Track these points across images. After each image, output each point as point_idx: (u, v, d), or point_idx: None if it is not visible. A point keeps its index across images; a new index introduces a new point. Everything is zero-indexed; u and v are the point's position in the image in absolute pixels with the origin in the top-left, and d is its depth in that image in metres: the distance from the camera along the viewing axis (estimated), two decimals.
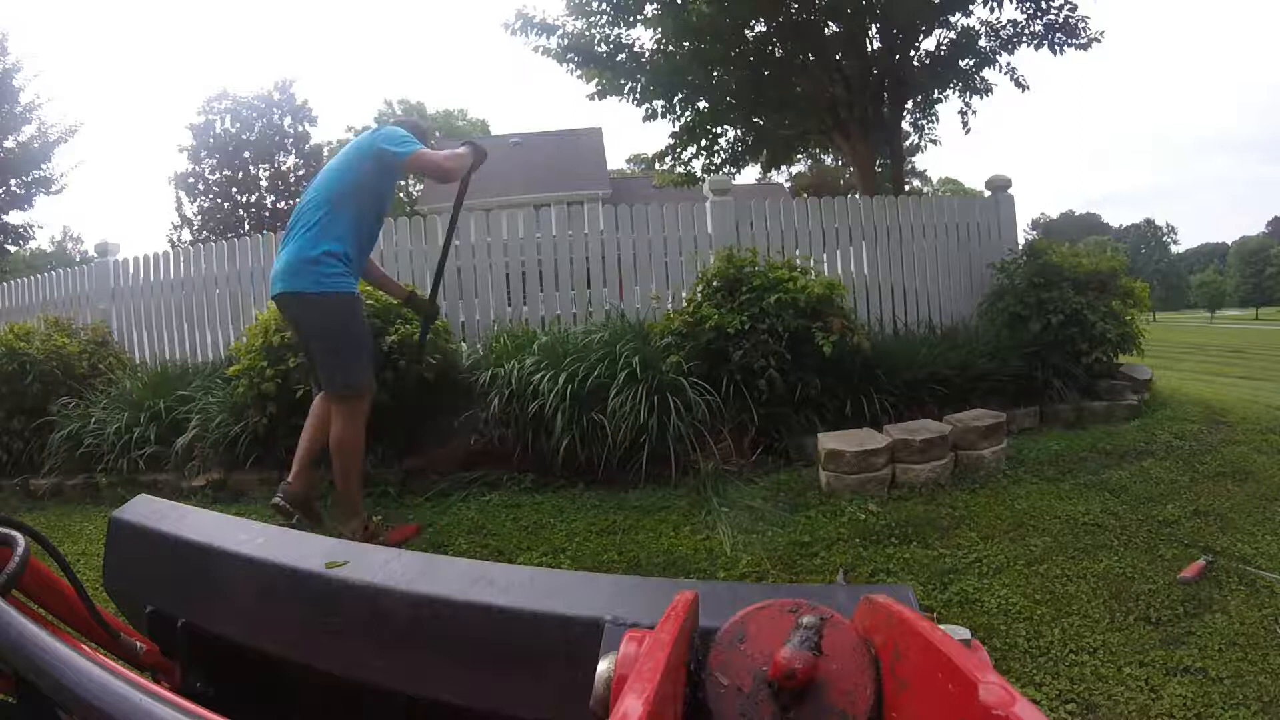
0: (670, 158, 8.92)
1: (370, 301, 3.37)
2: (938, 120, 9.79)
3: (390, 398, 3.22)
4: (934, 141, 10.80)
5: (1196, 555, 2.53)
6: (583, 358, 3.39)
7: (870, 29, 7.35)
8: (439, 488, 3.28)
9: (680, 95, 8.05)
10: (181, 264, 5.16)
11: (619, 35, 7.58)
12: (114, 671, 0.39)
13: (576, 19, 7.52)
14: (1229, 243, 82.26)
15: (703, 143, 8.72)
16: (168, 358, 4.95)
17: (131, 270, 5.28)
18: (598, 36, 7.54)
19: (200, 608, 0.65)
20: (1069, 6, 7.10)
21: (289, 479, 2.68)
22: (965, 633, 0.36)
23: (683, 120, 8.36)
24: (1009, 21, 7.39)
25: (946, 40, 7.56)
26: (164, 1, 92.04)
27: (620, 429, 3.15)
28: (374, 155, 2.67)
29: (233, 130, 21.50)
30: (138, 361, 4.96)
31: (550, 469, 3.32)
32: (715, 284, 3.65)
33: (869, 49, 7.46)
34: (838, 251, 4.79)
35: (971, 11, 7.30)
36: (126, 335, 5.19)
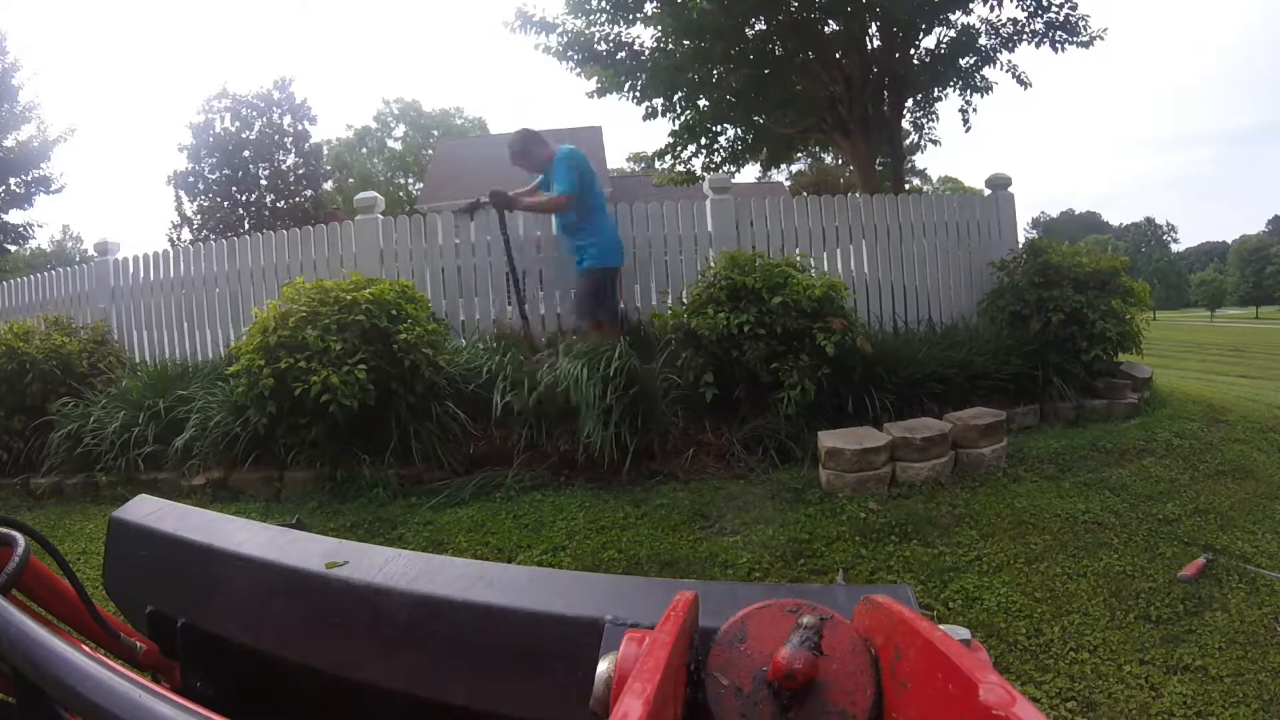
0: (670, 156, 8.91)
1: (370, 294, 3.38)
2: (938, 119, 9.78)
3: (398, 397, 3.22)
4: (934, 141, 10.77)
5: (1196, 553, 2.54)
6: (586, 357, 3.39)
7: (870, 27, 7.34)
8: (439, 487, 3.28)
9: (680, 93, 8.04)
10: (181, 263, 5.15)
11: (619, 33, 7.57)
12: (114, 671, 0.38)
13: (576, 17, 7.52)
14: (1229, 241, 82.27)
15: (702, 141, 8.71)
16: (168, 357, 4.95)
17: (131, 269, 5.27)
18: (597, 34, 7.54)
19: (200, 608, 0.65)
20: (1069, 5, 7.09)
21: None
22: (965, 633, 0.36)
23: (682, 119, 8.35)
24: (1009, 19, 7.38)
25: (946, 38, 7.55)
26: (163, 1, 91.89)
27: (621, 427, 3.15)
28: None
29: (232, 129, 21.44)
30: (137, 361, 4.95)
31: (550, 467, 3.33)
32: (719, 284, 3.66)
33: (869, 47, 7.45)
34: (838, 250, 4.78)
35: (971, 9, 7.29)
36: (126, 334, 5.19)
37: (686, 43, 7.37)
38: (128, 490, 3.44)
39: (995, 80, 7.99)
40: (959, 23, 7.44)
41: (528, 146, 4.17)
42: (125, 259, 5.34)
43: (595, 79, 7.93)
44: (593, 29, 7.52)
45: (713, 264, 4.00)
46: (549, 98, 74.97)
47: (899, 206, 4.87)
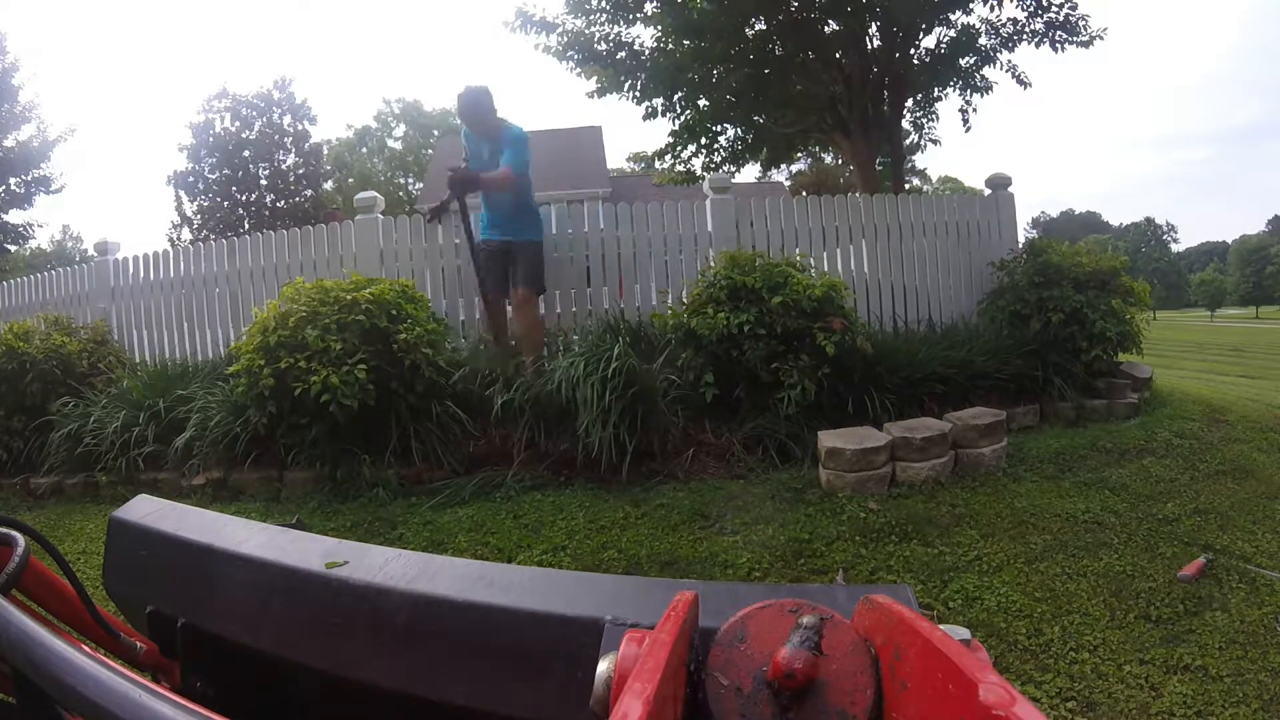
0: (670, 156, 8.89)
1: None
2: (938, 119, 9.75)
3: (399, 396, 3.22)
4: (934, 141, 10.73)
5: (1196, 553, 2.54)
6: (585, 356, 3.39)
7: (870, 27, 7.34)
8: (439, 487, 3.28)
9: (680, 93, 8.03)
10: (181, 263, 5.15)
11: (619, 33, 7.57)
12: (114, 671, 0.38)
13: (576, 16, 7.51)
14: (1229, 241, 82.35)
15: (702, 141, 8.70)
16: (168, 357, 4.95)
17: (131, 269, 5.27)
18: (597, 34, 7.53)
19: (200, 608, 0.65)
20: (1069, 4, 7.09)
21: None
22: (965, 633, 0.36)
23: (682, 119, 8.34)
24: (1009, 19, 7.37)
25: (946, 38, 7.54)
26: (163, 1, 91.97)
27: (620, 427, 3.15)
28: None
29: (232, 129, 21.43)
30: (137, 360, 4.95)
31: (550, 467, 3.33)
32: (719, 284, 3.66)
33: (869, 47, 7.45)
34: (838, 250, 4.78)
35: (971, 9, 7.28)
36: (126, 334, 5.19)
37: (686, 43, 7.36)
38: (128, 490, 3.45)
39: (995, 80, 7.98)
40: (959, 23, 7.43)
41: (486, 108, 3.97)
42: (125, 259, 5.34)
43: (595, 79, 7.91)
44: (593, 29, 7.51)
45: (713, 264, 4.00)
46: (549, 98, 74.98)
47: (899, 206, 4.87)
